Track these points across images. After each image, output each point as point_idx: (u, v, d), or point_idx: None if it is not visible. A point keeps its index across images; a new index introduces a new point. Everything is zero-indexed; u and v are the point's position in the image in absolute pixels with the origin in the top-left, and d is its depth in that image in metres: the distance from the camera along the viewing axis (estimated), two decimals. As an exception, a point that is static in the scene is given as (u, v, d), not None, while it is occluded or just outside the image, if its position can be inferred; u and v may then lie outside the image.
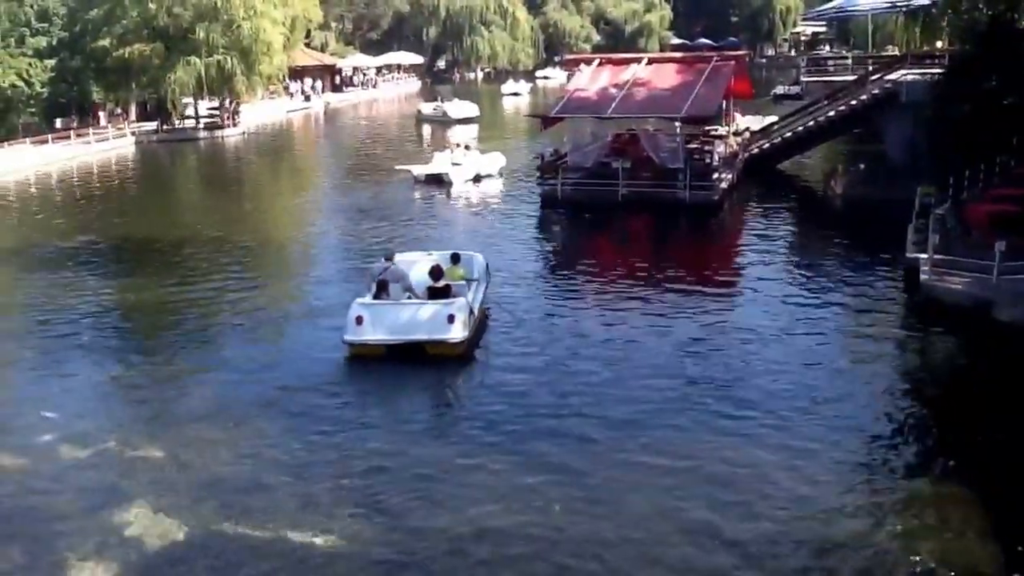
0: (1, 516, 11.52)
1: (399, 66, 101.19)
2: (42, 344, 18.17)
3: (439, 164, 35.96)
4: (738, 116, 40.12)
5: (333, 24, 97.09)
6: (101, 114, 58.26)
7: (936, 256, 18.77)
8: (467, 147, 38.59)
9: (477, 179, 35.51)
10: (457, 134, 44.68)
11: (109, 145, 50.93)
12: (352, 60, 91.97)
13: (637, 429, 13.28)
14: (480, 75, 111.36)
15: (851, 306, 19.28)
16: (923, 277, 18.70)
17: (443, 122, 57.45)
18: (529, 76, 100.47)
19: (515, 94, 79.54)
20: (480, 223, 29.31)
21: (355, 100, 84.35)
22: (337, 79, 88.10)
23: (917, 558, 10.07)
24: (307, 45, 79.70)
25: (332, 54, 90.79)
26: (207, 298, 20.94)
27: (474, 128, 46.46)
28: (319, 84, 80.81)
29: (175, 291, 21.49)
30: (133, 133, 54.43)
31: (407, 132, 58.08)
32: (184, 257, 25.00)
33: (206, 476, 12.28)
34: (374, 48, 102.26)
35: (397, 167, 37.64)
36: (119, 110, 59.81)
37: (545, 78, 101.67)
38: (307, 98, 76.55)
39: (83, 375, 16.40)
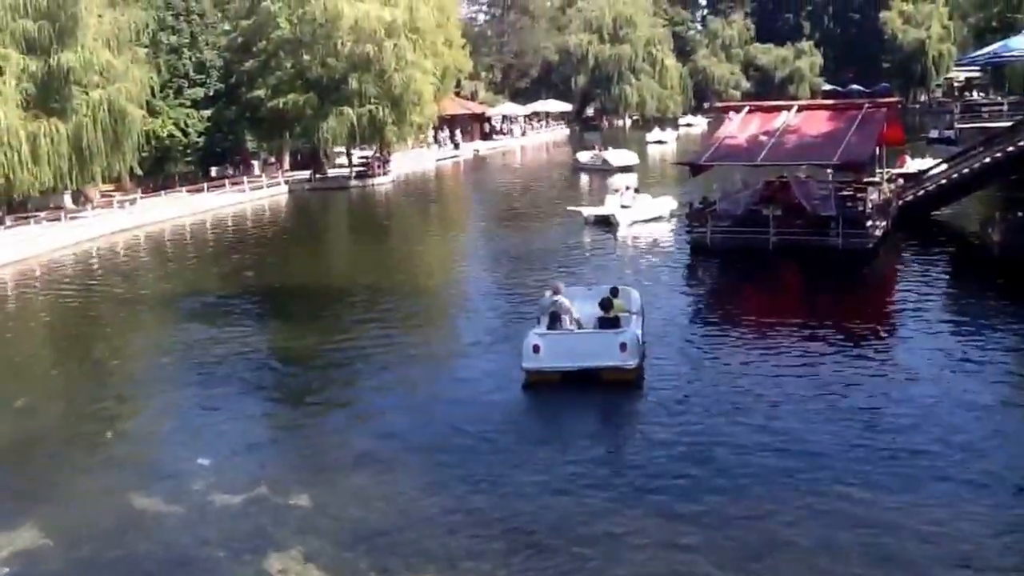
0: (153, 562, 11.88)
1: (547, 114, 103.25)
2: (198, 390, 18.65)
3: (608, 206, 37.96)
4: (907, 158, 40.28)
5: (483, 73, 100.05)
6: (255, 163, 60.79)
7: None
8: (636, 190, 39.96)
9: (648, 221, 36.84)
10: (617, 182, 45.90)
11: (263, 193, 53.26)
12: (501, 108, 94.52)
13: (780, 498, 13.33)
14: (628, 122, 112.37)
15: (1011, 359, 18.96)
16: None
17: (602, 170, 57.84)
18: (674, 124, 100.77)
19: (660, 142, 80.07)
20: (634, 266, 30.20)
21: (503, 148, 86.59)
22: (486, 127, 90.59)
23: None
24: (457, 94, 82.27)
25: (481, 103, 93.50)
26: (363, 344, 21.27)
27: (634, 176, 47.21)
28: (463, 133, 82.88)
29: (331, 337, 21.87)
30: (286, 181, 56.81)
31: (562, 179, 58.84)
32: (339, 302, 25.94)
33: (358, 526, 12.50)
34: (523, 96, 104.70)
35: (568, 208, 39.85)
36: (272, 159, 62.34)
37: (688, 125, 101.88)
38: (456, 146, 78.96)
39: (239, 421, 16.74)
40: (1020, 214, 32.48)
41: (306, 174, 58.81)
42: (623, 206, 37.60)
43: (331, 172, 59.42)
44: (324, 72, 55.01)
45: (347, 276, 30.47)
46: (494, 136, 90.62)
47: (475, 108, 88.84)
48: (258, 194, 52.81)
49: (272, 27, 54.96)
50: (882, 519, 12.08)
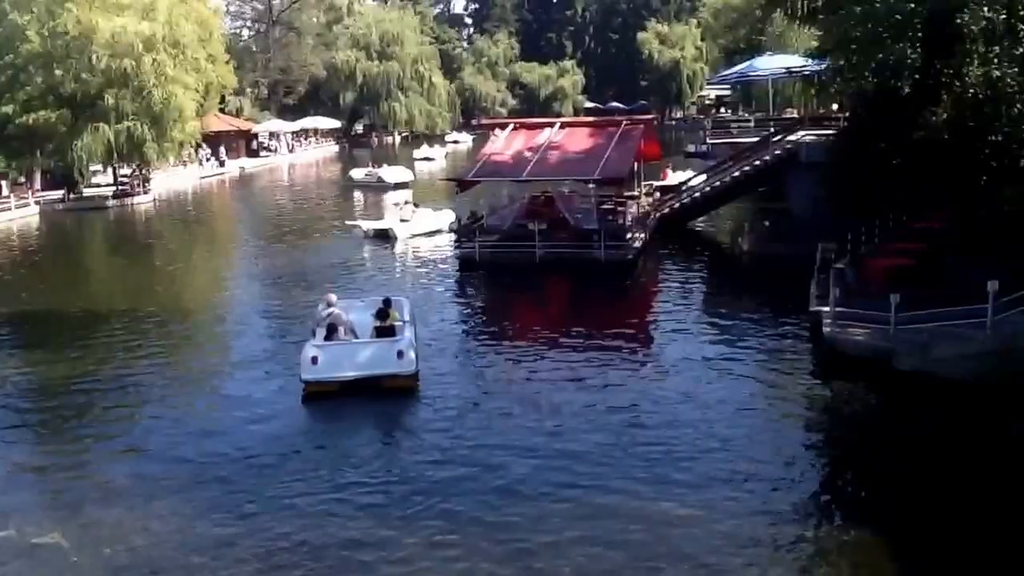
0: None
1: (316, 130, 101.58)
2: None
3: (387, 220, 38.56)
4: (669, 171, 42.35)
5: (248, 89, 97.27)
6: (3, 183, 56.54)
7: (837, 309, 19.71)
8: (416, 205, 40.16)
9: (427, 235, 37.04)
10: (397, 196, 46.38)
11: (12, 215, 49.73)
12: (268, 125, 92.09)
13: (556, 492, 13.65)
14: (398, 139, 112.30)
15: (759, 358, 20.10)
16: (826, 330, 19.60)
17: (377, 187, 57.53)
18: (441, 140, 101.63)
19: (428, 158, 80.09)
20: (410, 279, 30.32)
21: (271, 165, 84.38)
22: (253, 144, 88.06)
23: None
24: (221, 111, 79.63)
25: (247, 119, 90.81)
26: (125, 370, 20.37)
27: (409, 193, 47.27)
28: (228, 150, 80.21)
29: (88, 364, 20.79)
30: (37, 202, 53.32)
31: (336, 196, 57.92)
32: (96, 328, 24.25)
33: (118, 560, 11.98)
34: (290, 113, 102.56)
35: (347, 223, 40.21)
36: (23, 179, 58.32)
37: (455, 142, 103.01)
38: (221, 163, 76.24)
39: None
40: (767, 224, 34.62)
41: (59, 194, 55.18)
42: (402, 220, 37.93)
43: (88, 191, 55.99)
44: (78, 87, 51.99)
45: (105, 300, 28.62)
46: (261, 153, 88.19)
47: (241, 125, 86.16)
48: (5, 216, 49.09)
49: (20, 40, 51.34)
50: (643, 512, 12.68)
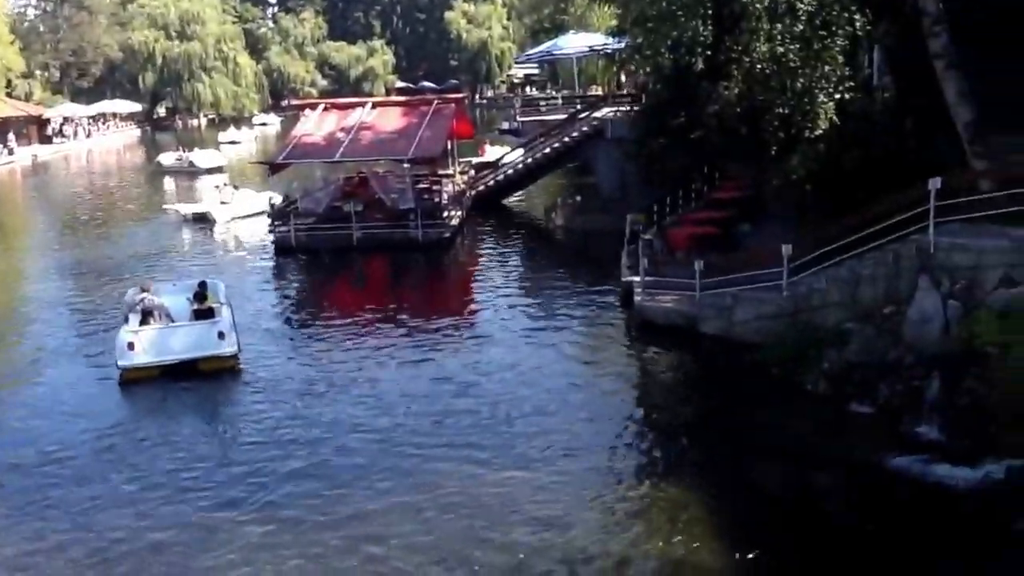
0: None
1: (115, 114, 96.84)
2: None
3: (206, 203, 37.84)
4: (487, 147, 42.72)
5: (38, 72, 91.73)
6: None
7: (646, 278, 20.53)
8: (235, 187, 39.38)
9: (248, 217, 36.09)
10: (216, 179, 44.98)
11: None
12: (61, 109, 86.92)
13: (386, 465, 13.81)
14: (204, 122, 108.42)
15: (575, 328, 20.73)
16: (636, 298, 20.42)
17: (189, 172, 55.40)
18: (249, 123, 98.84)
19: (234, 142, 77.58)
20: (227, 262, 29.77)
21: (68, 152, 79.72)
22: (47, 130, 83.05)
23: (654, 560, 11.13)
24: (9, 95, 74.76)
25: (38, 104, 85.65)
26: None
27: (226, 177, 45.74)
28: (18, 137, 75.35)
29: None
30: None
31: (145, 183, 55.37)
32: None
33: None
34: (86, 96, 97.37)
35: (165, 207, 39.59)
36: None
37: (264, 124, 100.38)
38: (10, 151, 71.56)
39: None
40: (578, 198, 35.55)
41: None
42: (222, 203, 37.09)
43: None
44: None
45: None
46: (55, 140, 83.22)
47: (31, 110, 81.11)
48: None
49: None
50: (468, 481, 13.06)
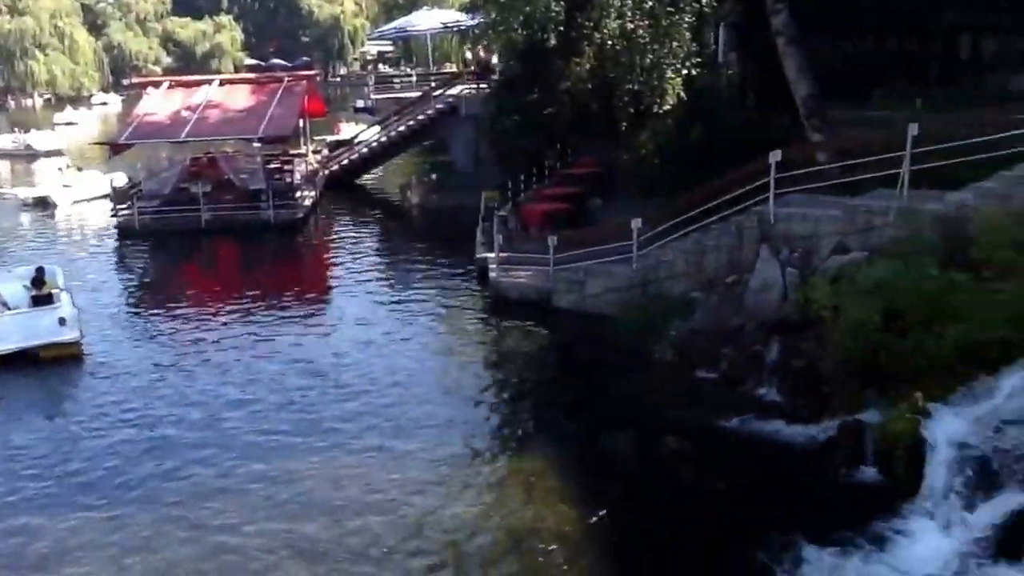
0: None
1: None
2: None
3: (46, 186, 36.40)
4: (342, 125, 42.03)
5: None
6: None
7: (501, 255, 20.68)
8: (79, 168, 37.91)
9: (94, 199, 34.64)
10: (59, 161, 42.78)
11: None
12: None
13: (237, 448, 13.60)
14: (39, 102, 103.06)
15: (432, 306, 20.72)
16: (491, 274, 20.56)
17: (28, 155, 52.73)
18: (88, 103, 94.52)
19: (71, 123, 73.89)
20: (68, 247, 28.68)
21: None
22: None
23: (505, 530, 11.22)
24: None
25: None
26: None
27: (65, 160, 43.55)
28: None
29: None
30: None
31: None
32: None
33: None
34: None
35: (2, 191, 38.58)
36: None
37: (103, 104, 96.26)
38: None
39: None
40: (434, 176, 35.46)
41: None
42: (64, 186, 35.55)
43: None
44: None
45: None
46: None
47: None
48: None
49: None
50: (323, 461, 12.97)
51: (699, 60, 19.90)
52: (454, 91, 34.96)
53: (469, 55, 39.36)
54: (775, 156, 16.44)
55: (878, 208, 15.54)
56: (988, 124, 15.44)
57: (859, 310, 13.08)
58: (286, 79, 34.57)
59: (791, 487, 11.87)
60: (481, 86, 33.62)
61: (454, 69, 45.17)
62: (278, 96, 32.16)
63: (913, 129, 15.27)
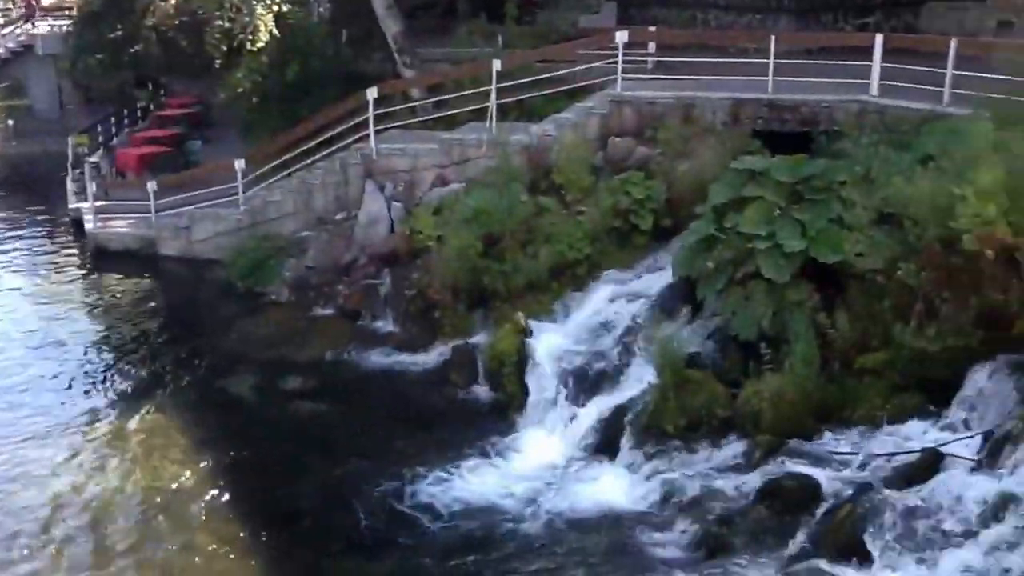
0: None
1: None
2: None
3: None
4: None
5: None
6: None
7: (97, 203, 19.43)
8: None
9: None
10: None
11: None
12: None
13: None
14: None
15: (23, 262, 19.28)
16: (88, 226, 19.29)
17: None
18: None
19: None
20: None
21: None
22: None
23: (138, 495, 10.76)
24: None
25: None
26: None
27: None
28: None
29: None
30: None
31: None
32: None
33: None
34: None
35: None
36: None
37: None
38: None
39: None
40: (11, 123, 32.26)
41: None
42: None
43: None
44: None
45: None
46: None
47: None
48: None
49: None
50: None
51: (291, -3, 19.75)
52: (29, 27, 31.81)
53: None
54: (372, 92, 16.83)
55: (471, 141, 16.46)
56: (561, 58, 16.89)
57: (460, 238, 13.91)
58: None
59: (410, 412, 12.50)
60: (60, 23, 30.87)
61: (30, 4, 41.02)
62: None
63: (497, 65, 16.31)
